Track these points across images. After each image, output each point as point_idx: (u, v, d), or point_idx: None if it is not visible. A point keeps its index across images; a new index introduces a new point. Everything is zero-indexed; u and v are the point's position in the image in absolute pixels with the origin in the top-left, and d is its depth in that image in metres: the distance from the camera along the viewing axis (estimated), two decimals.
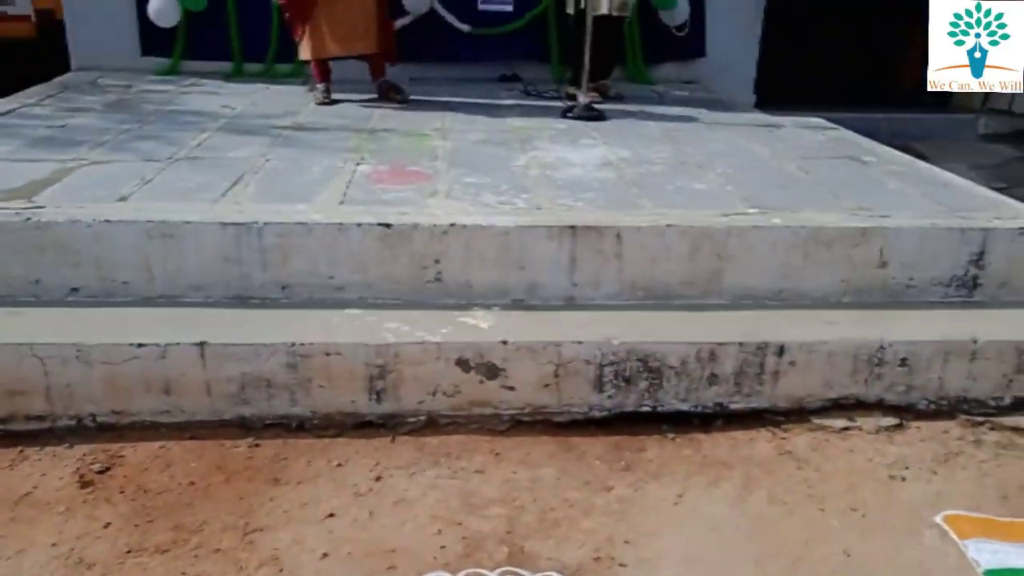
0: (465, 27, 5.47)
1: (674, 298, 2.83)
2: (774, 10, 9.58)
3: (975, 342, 2.62)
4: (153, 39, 5.35)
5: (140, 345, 2.40)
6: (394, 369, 2.50)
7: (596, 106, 4.55)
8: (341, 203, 2.91)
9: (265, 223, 2.67)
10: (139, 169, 3.19)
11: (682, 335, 2.61)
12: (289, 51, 5.39)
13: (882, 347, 2.60)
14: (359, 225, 2.70)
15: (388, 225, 2.70)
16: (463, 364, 2.52)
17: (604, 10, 4.54)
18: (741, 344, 2.58)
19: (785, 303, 2.85)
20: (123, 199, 2.83)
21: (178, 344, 2.42)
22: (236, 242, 2.66)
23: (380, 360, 2.49)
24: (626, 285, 2.82)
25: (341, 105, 4.62)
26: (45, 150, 3.43)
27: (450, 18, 5.43)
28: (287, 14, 4.51)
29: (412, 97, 4.78)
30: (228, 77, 5.35)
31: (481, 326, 2.62)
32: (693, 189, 3.24)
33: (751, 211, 2.94)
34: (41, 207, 2.70)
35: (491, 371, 2.54)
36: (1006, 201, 3.19)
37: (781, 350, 2.59)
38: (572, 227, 2.76)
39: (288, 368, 2.47)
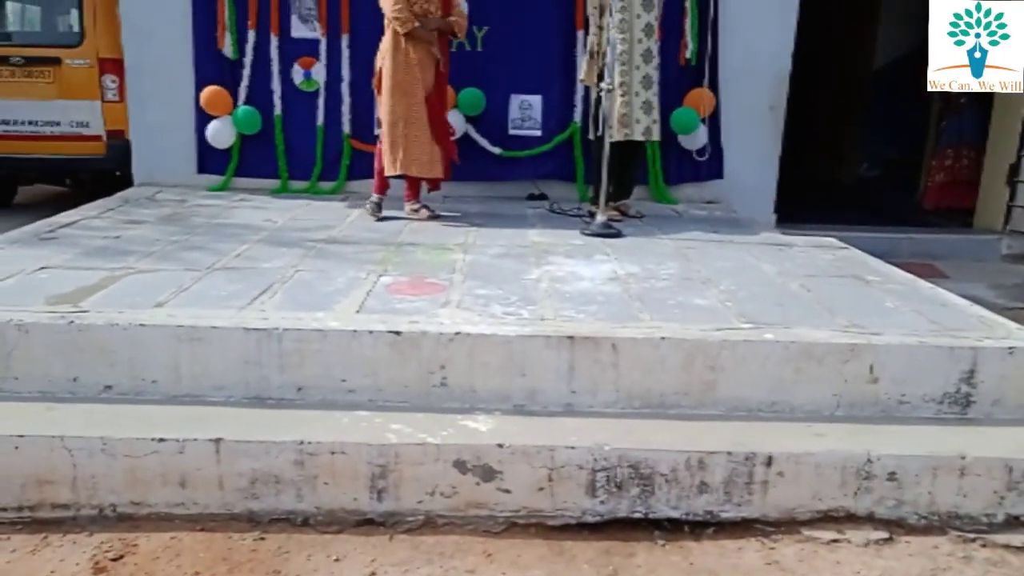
0: (496, 150, 5.83)
1: (670, 407, 2.94)
2: (796, 134, 9.99)
3: (963, 458, 2.66)
4: (209, 158, 5.82)
5: (161, 440, 2.59)
6: (395, 469, 2.64)
7: (614, 224, 4.79)
8: (358, 312, 3.13)
9: (285, 329, 2.89)
10: (179, 278, 3.47)
11: (672, 443, 2.70)
12: (332, 170, 5.84)
13: (869, 460, 2.66)
14: (371, 332, 2.90)
15: (398, 332, 2.90)
16: (460, 466, 2.65)
17: (619, 136, 4.83)
18: (729, 453, 2.66)
19: (778, 415, 2.93)
20: (159, 305, 3.10)
21: (195, 440, 2.61)
22: (257, 346, 2.88)
23: (382, 460, 2.63)
24: (623, 394, 2.94)
25: (370, 219, 4.94)
26: (98, 259, 3.76)
27: (483, 141, 5.81)
28: (379, 131, 4.89)
29: (444, 213, 5.08)
30: (274, 193, 5.76)
31: (480, 429, 2.76)
32: (694, 304, 3.39)
33: (745, 326, 3.07)
34: (85, 311, 2.97)
35: (487, 473, 2.66)
36: (999, 320, 3.26)
37: (769, 460, 2.66)
38: (571, 337, 2.92)
39: (296, 465, 2.63)
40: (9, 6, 7.00)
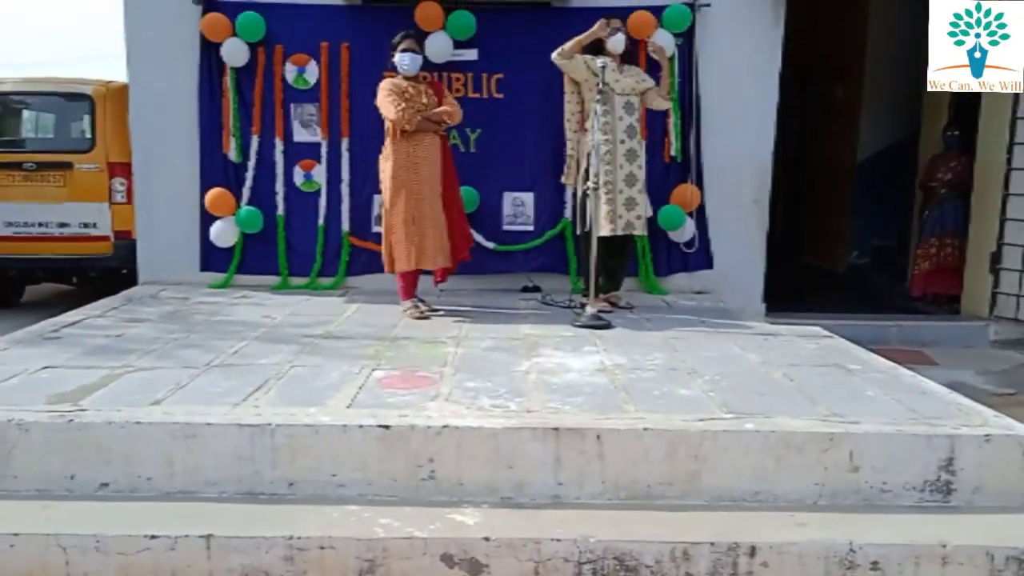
0: (491, 244, 6.00)
1: (655, 498, 2.99)
2: (788, 222, 10.23)
3: (944, 546, 2.69)
4: (212, 256, 6.00)
5: (152, 537, 2.64)
6: (383, 563, 2.67)
7: (604, 315, 4.90)
8: (349, 406, 3.21)
9: (277, 425, 2.98)
10: (177, 375, 3.57)
11: (657, 534, 2.74)
12: (331, 266, 6.01)
13: (852, 550, 2.69)
14: (361, 426, 2.99)
15: (387, 427, 2.98)
16: (448, 559, 2.68)
17: (605, 232, 5.00)
18: (713, 544, 2.69)
19: (762, 504, 2.97)
20: (156, 403, 3.19)
21: (187, 536, 2.65)
22: (250, 442, 2.96)
23: (370, 554, 2.67)
24: (609, 484, 2.99)
25: (370, 314, 5.07)
26: (99, 358, 3.87)
27: (478, 236, 5.97)
28: (388, 235, 4.99)
29: (439, 307, 5.21)
30: (275, 289, 5.91)
31: (467, 523, 2.80)
32: (678, 395, 3.46)
33: (727, 416, 3.14)
34: (84, 410, 3.06)
35: (474, 567, 2.69)
36: (976, 408, 3.33)
37: (753, 551, 2.69)
38: (556, 429, 3.00)
39: (285, 560, 2.66)
40: (25, 114, 7.33)
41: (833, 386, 3.64)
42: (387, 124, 4.92)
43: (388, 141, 4.93)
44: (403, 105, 4.78)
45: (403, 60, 4.91)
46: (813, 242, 9.70)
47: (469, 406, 3.25)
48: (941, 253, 6.75)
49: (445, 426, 3.00)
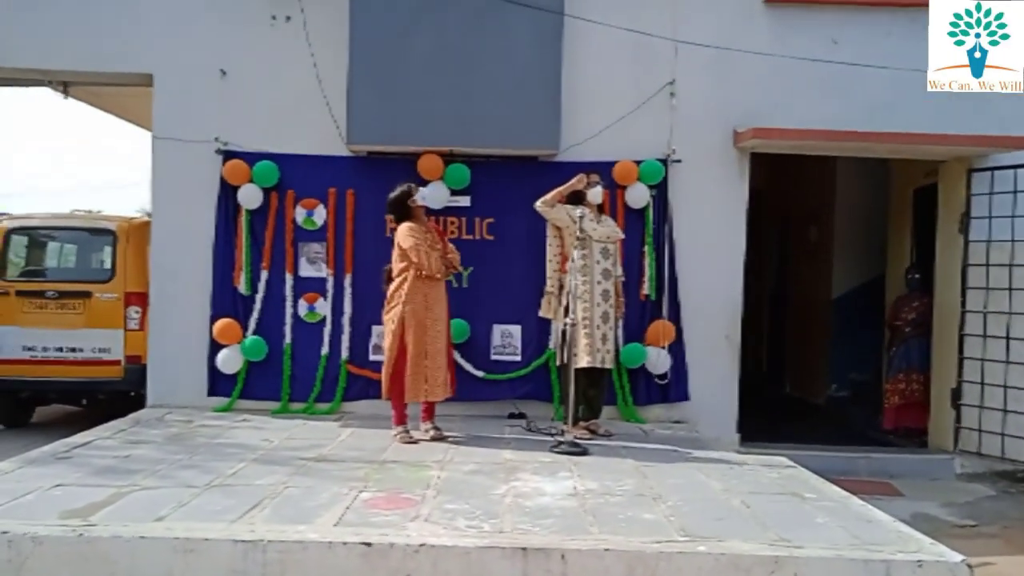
0: (480, 373, 6.38)
1: None
2: (772, 355, 10.62)
3: None
4: (217, 382, 6.36)
5: None
6: None
7: (582, 442, 5.22)
8: (336, 525, 3.50)
9: (269, 541, 3.27)
10: (179, 494, 3.88)
11: None
12: (329, 392, 6.36)
13: None
14: (345, 544, 3.28)
15: (369, 544, 3.28)
16: None
17: (584, 363, 5.40)
18: None
19: None
20: (160, 519, 3.49)
21: None
22: (244, 556, 3.24)
23: None
24: None
25: (362, 438, 5.39)
26: (108, 477, 4.18)
27: (467, 365, 6.36)
28: (391, 366, 5.27)
29: (443, 430, 5.51)
30: (275, 414, 6.24)
31: None
32: (641, 518, 3.75)
33: (682, 539, 3.43)
34: (92, 525, 3.36)
35: None
36: (914, 536, 3.60)
37: None
38: (524, 549, 3.29)
39: None
40: (50, 246, 7.89)
41: (786, 513, 3.92)
42: (400, 265, 5.28)
43: (404, 282, 5.25)
44: (431, 253, 5.23)
45: (430, 193, 5.54)
46: (795, 375, 10.05)
47: (446, 526, 3.54)
48: (908, 388, 7.09)
49: (423, 544, 3.29)
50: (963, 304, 6.48)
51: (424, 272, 5.22)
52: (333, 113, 6.30)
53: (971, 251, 6.46)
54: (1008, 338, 6.21)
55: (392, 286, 5.37)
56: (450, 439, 5.42)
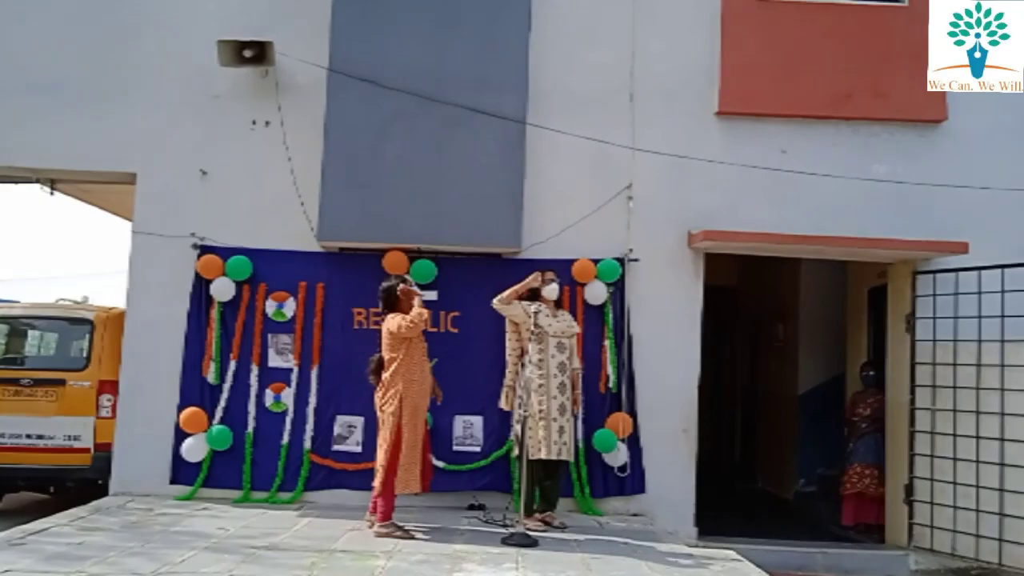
0: (440, 463, 6.48)
1: None
2: (744, 450, 10.71)
3: None
4: (180, 470, 6.45)
5: None
6: None
7: (533, 534, 5.31)
8: None
9: None
10: None
11: None
12: (291, 482, 6.45)
13: None
14: None
15: None
16: None
17: (542, 455, 5.53)
18: None
19: None
20: None
21: None
22: None
23: None
24: None
25: (317, 528, 5.45)
26: (57, 563, 4.27)
27: (429, 456, 6.47)
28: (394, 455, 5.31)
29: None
30: (236, 503, 6.30)
31: None
32: None
33: None
34: None
35: None
36: None
37: None
38: None
39: None
40: (30, 335, 8.07)
41: None
42: (392, 356, 5.38)
43: (408, 368, 5.36)
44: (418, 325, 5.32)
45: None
46: (766, 469, 10.10)
47: None
48: (862, 482, 7.19)
49: None
50: (912, 401, 6.67)
51: (424, 319, 5.33)
52: (306, 211, 6.62)
53: (918, 350, 6.69)
54: (955, 435, 6.36)
55: (387, 374, 5.41)
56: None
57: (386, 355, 5.49)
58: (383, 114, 6.55)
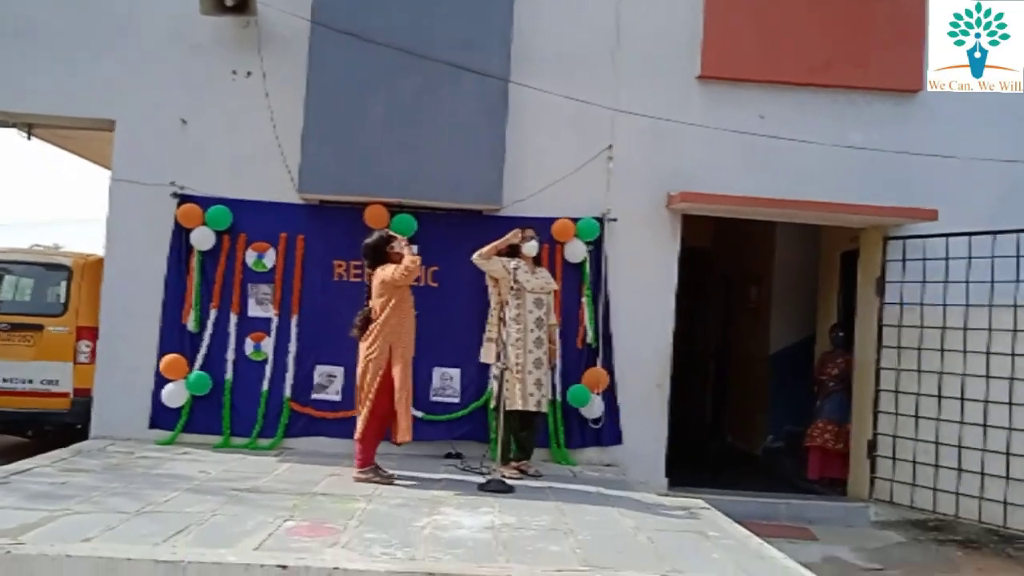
0: (419, 413, 6.59)
1: None
2: (716, 406, 10.98)
3: None
4: (161, 415, 6.52)
5: None
6: None
7: (509, 481, 5.46)
8: (256, 549, 3.70)
9: (189, 562, 3.47)
10: (109, 519, 4.05)
11: None
12: (271, 428, 6.54)
13: None
14: (262, 566, 3.48)
15: (284, 567, 3.48)
16: None
17: (518, 406, 5.67)
18: None
19: None
20: (87, 540, 3.66)
21: None
22: None
23: None
24: None
25: (298, 472, 5.57)
26: (41, 502, 4.33)
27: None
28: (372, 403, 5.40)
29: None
30: (216, 448, 6.39)
31: None
32: (548, 550, 3.99)
33: (582, 568, 3.68)
34: (21, 544, 3.53)
35: None
36: (801, 571, 3.88)
37: None
38: (431, 574, 3.51)
39: None
40: (6, 279, 8.01)
41: (685, 548, 4.19)
42: (381, 300, 5.45)
43: (392, 311, 5.42)
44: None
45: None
46: (736, 426, 10.37)
47: (362, 553, 3.75)
48: (824, 437, 7.45)
49: (336, 568, 3.50)
50: (878, 361, 6.88)
51: (414, 270, 5.39)
52: (287, 163, 6.61)
53: (886, 312, 6.89)
54: (918, 394, 6.59)
55: (377, 323, 5.44)
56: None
57: (376, 305, 5.55)
58: (366, 68, 6.52)
